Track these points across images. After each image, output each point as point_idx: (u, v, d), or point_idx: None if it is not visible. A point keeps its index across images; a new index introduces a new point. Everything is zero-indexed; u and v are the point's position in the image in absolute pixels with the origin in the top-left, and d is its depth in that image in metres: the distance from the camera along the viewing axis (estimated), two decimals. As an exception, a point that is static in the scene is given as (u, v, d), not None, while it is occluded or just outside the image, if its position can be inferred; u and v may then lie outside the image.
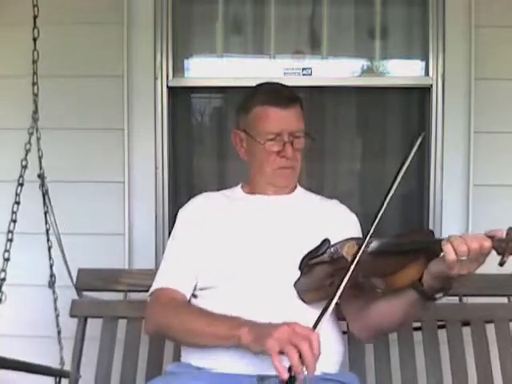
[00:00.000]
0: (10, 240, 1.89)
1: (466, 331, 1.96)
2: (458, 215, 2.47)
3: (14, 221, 1.90)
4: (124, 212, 2.50)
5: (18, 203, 1.90)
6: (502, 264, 1.28)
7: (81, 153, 2.47)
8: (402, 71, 2.65)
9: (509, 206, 2.47)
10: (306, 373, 1.23)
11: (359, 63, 2.65)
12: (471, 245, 1.27)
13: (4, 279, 1.85)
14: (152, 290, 1.65)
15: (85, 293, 2.02)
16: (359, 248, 1.39)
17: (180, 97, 2.64)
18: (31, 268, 2.20)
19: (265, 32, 2.62)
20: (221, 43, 2.65)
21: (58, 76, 2.44)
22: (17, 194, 1.90)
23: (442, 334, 1.96)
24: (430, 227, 2.51)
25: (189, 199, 1.84)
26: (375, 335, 1.67)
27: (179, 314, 1.53)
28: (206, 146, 2.70)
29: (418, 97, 2.60)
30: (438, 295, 1.42)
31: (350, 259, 1.40)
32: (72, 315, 1.99)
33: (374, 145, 2.66)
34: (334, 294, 1.33)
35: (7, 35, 2.49)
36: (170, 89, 2.56)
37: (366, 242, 1.40)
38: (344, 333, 1.73)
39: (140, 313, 1.87)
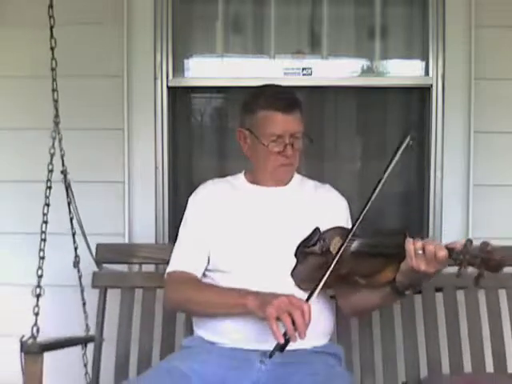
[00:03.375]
0: (44, 240, 2.03)
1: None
2: (458, 215, 2.47)
3: (46, 222, 2.04)
4: (124, 212, 2.50)
5: (47, 205, 2.06)
6: (458, 275, 1.46)
7: (81, 153, 2.47)
8: (402, 71, 2.65)
9: (509, 206, 2.47)
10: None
11: (359, 63, 2.65)
12: (427, 245, 1.51)
13: (41, 276, 2.00)
14: (168, 271, 1.86)
15: (104, 265, 2.21)
16: (341, 246, 1.62)
17: (180, 97, 2.64)
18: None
19: (265, 32, 2.63)
20: (221, 43, 2.66)
21: (58, 76, 2.42)
22: (46, 197, 2.06)
23: (418, 302, 2.15)
24: (430, 227, 2.52)
25: (188, 200, 1.94)
26: (358, 314, 2.00)
27: (194, 290, 1.77)
28: (205, 145, 2.70)
29: (418, 97, 2.60)
30: (407, 291, 1.65)
31: (333, 254, 1.65)
32: (94, 286, 2.18)
33: (374, 145, 2.66)
34: (320, 280, 1.58)
35: (7, 35, 2.50)
36: (170, 89, 2.56)
37: (346, 242, 1.62)
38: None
39: (153, 283, 2.14)
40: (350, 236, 1.63)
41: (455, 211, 2.47)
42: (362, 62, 2.65)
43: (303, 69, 2.58)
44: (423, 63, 2.57)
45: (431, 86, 2.51)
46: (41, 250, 2.03)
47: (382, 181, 1.66)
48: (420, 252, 1.51)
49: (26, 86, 2.51)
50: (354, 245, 1.66)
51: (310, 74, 2.58)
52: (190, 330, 1.98)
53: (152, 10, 2.50)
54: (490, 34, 2.44)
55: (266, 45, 2.63)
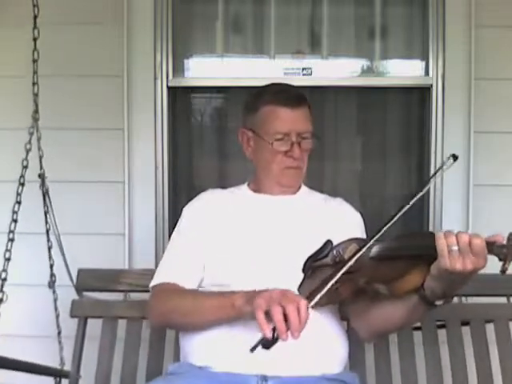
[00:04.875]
0: (11, 240, 1.89)
1: (466, 331, 1.96)
2: (458, 215, 2.47)
3: (15, 220, 1.90)
4: (124, 212, 2.50)
5: (19, 203, 1.90)
6: (503, 271, 1.25)
7: (81, 153, 2.47)
8: (402, 71, 2.65)
9: (509, 206, 2.47)
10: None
11: (359, 63, 2.65)
12: (461, 236, 1.27)
13: (5, 279, 1.85)
14: (154, 283, 1.65)
15: (85, 293, 2.02)
16: (358, 250, 1.38)
17: (180, 97, 2.64)
18: (31, 268, 2.19)
19: (265, 32, 2.62)
20: (221, 43, 2.65)
21: (57, 76, 2.44)
22: (18, 194, 1.90)
23: (442, 334, 1.96)
24: (430, 227, 2.52)
25: (189, 199, 1.84)
26: (376, 336, 1.68)
27: (178, 298, 1.57)
28: (205, 145, 2.69)
29: (418, 97, 2.60)
30: (438, 301, 1.41)
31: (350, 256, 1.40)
32: (72, 315, 1.99)
33: (374, 145, 2.66)
34: (329, 280, 1.32)
35: (7, 36, 2.50)
36: (170, 89, 2.56)
37: (366, 248, 1.38)
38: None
39: (140, 313, 1.91)
40: (370, 243, 1.39)
41: (455, 211, 2.47)
42: (362, 62, 2.65)
43: (303, 69, 2.58)
44: (423, 63, 2.57)
45: (431, 85, 2.51)
46: (7, 250, 1.87)
47: (418, 196, 1.45)
48: (455, 248, 1.27)
49: (24, 86, 2.51)
50: (374, 249, 1.42)
51: (310, 74, 2.58)
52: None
53: (152, 10, 2.50)
54: (490, 34, 2.44)
55: (265, 45, 2.63)
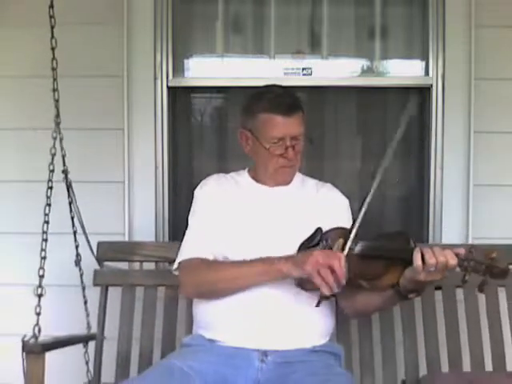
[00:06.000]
0: (45, 240, 2.04)
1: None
2: (458, 215, 2.47)
3: (47, 222, 2.05)
4: (124, 212, 2.50)
5: (49, 205, 2.06)
6: (463, 282, 1.50)
7: (81, 153, 2.47)
8: (402, 71, 2.65)
9: (509, 206, 2.47)
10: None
11: (359, 63, 2.65)
12: (439, 259, 1.52)
13: (43, 276, 2.00)
14: (180, 260, 1.84)
15: (105, 264, 2.22)
16: (343, 246, 1.63)
17: (180, 97, 2.64)
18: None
19: (265, 32, 2.63)
20: (221, 43, 2.66)
21: (58, 76, 2.43)
22: (47, 197, 2.06)
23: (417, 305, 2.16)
24: (430, 227, 2.52)
25: (190, 199, 1.95)
26: (359, 315, 2.00)
27: (219, 267, 1.78)
28: (205, 145, 2.70)
29: (418, 97, 2.60)
30: (411, 295, 1.65)
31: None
32: (95, 284, 2.19)
33: (374, 145, 2.66)
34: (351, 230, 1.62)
35: (8, 35, 2.50)
36: (170, 89, 2.56)
37: (348, 246, 1.62)
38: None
39: (154, 280, 2.19)
40: (351, 237, 1.63)
41: (455, 211, 2.47)
42: (362, 62, 2.65)
43: (303, 69, 2.58)
44: (423, 63, 2.57)
45: (431, 86, 2.51)
46: (42, 249, 2.03)
47: (381, 168, 1.69)
48: (432, 269, 1.53)
49: (26, 86, 2.51)
50: (358, 248, 1.65)
51: (310, 74, 2.58)
52: (190, 328, 1.98)
53: (152, 10, 2.50)
54: (490, 34, 2.44)
55: (265, 45, 2.63)
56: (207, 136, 2.72)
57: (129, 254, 2.25)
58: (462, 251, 1.51)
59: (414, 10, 2.61)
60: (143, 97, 2.51)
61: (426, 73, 2.55)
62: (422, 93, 2.57)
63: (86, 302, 2.22)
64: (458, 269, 1.55)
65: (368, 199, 1.65)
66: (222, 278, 1.75)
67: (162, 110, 2.54)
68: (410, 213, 2.66)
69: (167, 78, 2.55)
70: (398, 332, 2.16)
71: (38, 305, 1.98)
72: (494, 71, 2.46)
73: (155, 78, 2.52)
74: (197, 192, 1.95)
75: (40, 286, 1.99)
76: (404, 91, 2.60)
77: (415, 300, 2.10)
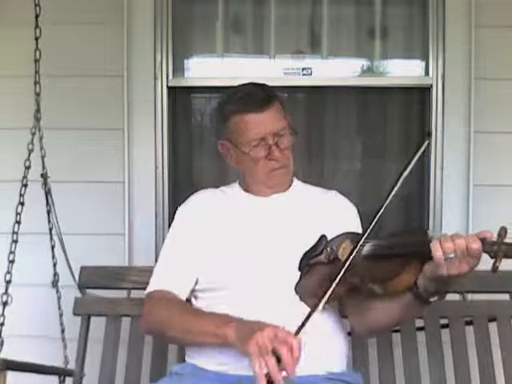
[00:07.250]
0: (15, 241, 1.86)
1: (469, 330, 1.96)
2: (458, 215, 2.47)
3: (19, 222, 1.87)
4: (124, 212, 2.50)
5: (22, 204, 1.87)
6: (494, 270, 1.23)
7: (81, 153, 2.47)
8: (402, 71, 2.65)
9: (509, 206, 2.47)
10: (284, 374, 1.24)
11: (359, 63, 2.65)
12: (457, 242, 1.26)
13: (10, 281, 1.83)
14: (148, 290, 1.65)
15: (88, 291, 2.01)
16: (352, 251, 1.38)
17: (180, 97, 2.64)
18: (34, 268, 2.19)
19: (265, 32, 2.62)
20: (221, 43, 2.65)
21: (58, 76, 2.43)
22: (21, 195, 1.87)
23: (445, 334, 1.96)
24: (430, 227, 2.52)
25: (176, 211, 1.80)
26: (375, 332, 1.70)
27: (171, 313, 1.55)
28: (205, 145, 2.69)
29: (418, 97, 2.60)
30: (432, 298, 1.41)
31: (343, 261, 1.39)
32: (75, 313, 1.97)
33: (374, 145, 2.67)
34: (320, 300, 1.32)
35: (8, 35, 2.50)
36: (170, 89, 2.56)
37: (358, 246, 1.39)
38: (348, 334, 1.72)
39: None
40: (362, 240, 1.40)
41: (455, 211, 2.47)
42: (362, 62, 2.65)
43: (303, 69, 2.58)
44: (423, 63, 2.57)
45: (431, 86, 2.51)
46: (11, 252, 1.85)
47: (398, 184, 1.50)
48: (452, 255, 1.26)
49: (24, 86, 2.51)
50: (366, 248, 1.42)
51: (310, 74, 2.58)
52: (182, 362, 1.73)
53: (152, 10, 2.50)
54: (490, 34, 2.44)
55: (265, 45, 2.63)
56: (207, 136, 2.72)
57: (115, 280, 2.01)
58: (488, 234, 1.28)
59: (414, 10, 2.61)
60: (143, 97, 2.51)
61: (426, 73, 2.55)
62: (421, 93, 2.57)
63: (63, 331, 1.99)
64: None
65: (379, 214, 1.42)
66: (174, 326, 1.53)
67: (161, 110, 2.54)
68: (410, 213, 2.66)
69: (167, 77, 2.55)
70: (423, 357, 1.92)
71: (2, 314, 1.81)
72: (494, 71, 2.46)
73: (155, 78, 2.52)
74: (178, 213, 1.75)
75: (6, 293, 1.80)
76: (404, 91, 2.61)
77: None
